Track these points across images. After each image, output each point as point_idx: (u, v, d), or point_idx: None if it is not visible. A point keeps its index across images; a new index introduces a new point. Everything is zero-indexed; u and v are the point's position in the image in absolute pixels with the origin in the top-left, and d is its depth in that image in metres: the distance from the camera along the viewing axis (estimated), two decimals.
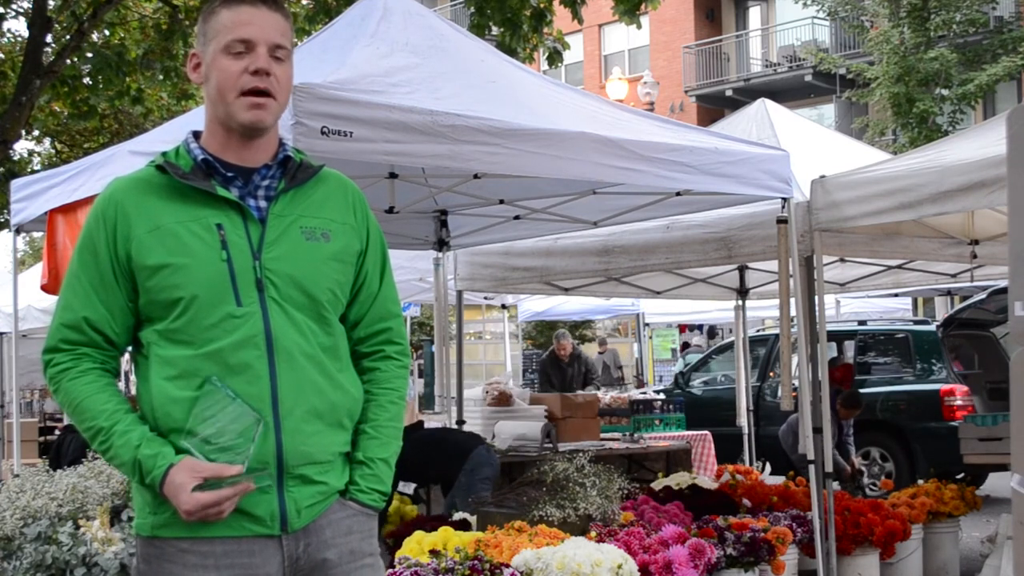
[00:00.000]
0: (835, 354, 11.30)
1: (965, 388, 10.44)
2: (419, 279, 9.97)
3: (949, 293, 14.45)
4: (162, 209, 2.24)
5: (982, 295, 10.09)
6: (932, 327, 11.20)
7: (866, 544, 6.32)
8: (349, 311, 2.40)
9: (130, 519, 4.43)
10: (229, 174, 2.29)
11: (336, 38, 5.23)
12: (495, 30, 10.93)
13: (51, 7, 11.90)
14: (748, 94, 23.80)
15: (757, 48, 28.74)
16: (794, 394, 6.31)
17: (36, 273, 9.78)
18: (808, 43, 26.08)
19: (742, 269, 9.30)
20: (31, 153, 19.34)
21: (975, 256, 7.29)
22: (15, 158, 16.05)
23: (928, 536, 6.94)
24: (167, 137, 4.75)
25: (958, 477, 9.01)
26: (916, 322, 12.39)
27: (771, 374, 11.84)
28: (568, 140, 4.89)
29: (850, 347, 11.73)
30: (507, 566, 4.47)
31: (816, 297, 6.18)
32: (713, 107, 27.94)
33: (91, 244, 2.26)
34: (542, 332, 25.86)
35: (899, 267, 8.65)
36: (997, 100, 22.57)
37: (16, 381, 7.51)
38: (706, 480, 7.09)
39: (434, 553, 4.65)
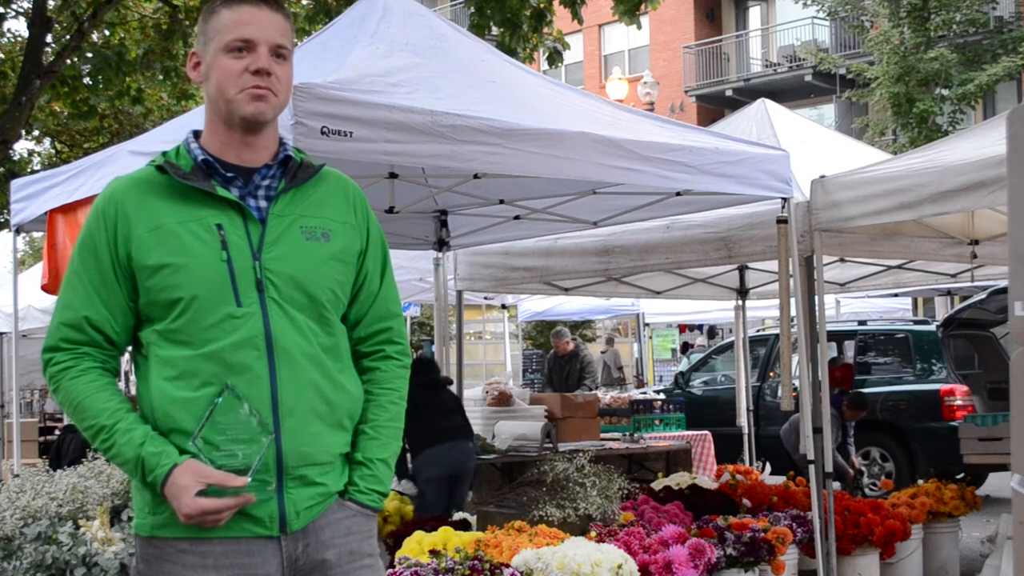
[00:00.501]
0: (835, 354, 11.30)
1: (965, 388, 10.44)
2: (419, 279, 9.97)
3: (949, 293, 14.45)
4: (162, 209, 2.24)
5: (982, 295, 10.09)
6: (932, 327, 11.20)
7: (866, 544, 6.32)
8: (349, 311, 2.40)
9: (130, 519, 4.43)
10: (229, 174, 2.29)
11: (336, 38, 5.22)
12: (495, 30, 10.92)
13: (51, 7, 11.90)
14: (748, 94, 23.79)
15: (757, 48, 28.72)
16: (794, 394, 6.31)
17: (36, 273, 9.78)
18: (808, 43, 26.07)
19: (742, 269, 9.31)
20: (31, 153, 19.36)
21: (975, 256, 7.29)
22: (15, 158, 16.04)
23: (928, 536, 6.93)
24: (167, 137, 4.74)
25: (958, 477, 9.01)
26: (916, 322, 12.39)
27: (771, 374, 11.84)
28: (568, 140, 4.89)
29: (850, 347, 11.73)
30: (507, 566, 4.47)
31: (816, 297, 6.18)
32: (713, 107, 27.93)
33: (91, 243, 2.26)
34: (542, 332, 25.86)
35: (899, 267, 8.65)
36: (997, 100, 22.56)
37: (16, 381, 7.50)
38: (706, 480, 7.08)
39: (434, 553, 4.65)
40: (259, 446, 2.16)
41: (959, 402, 10.32)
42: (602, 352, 20.03)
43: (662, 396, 10.70)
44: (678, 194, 6.16)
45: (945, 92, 20.12)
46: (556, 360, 12.98)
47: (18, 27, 33.41)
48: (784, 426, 8.93)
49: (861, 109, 24.00)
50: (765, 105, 7.73)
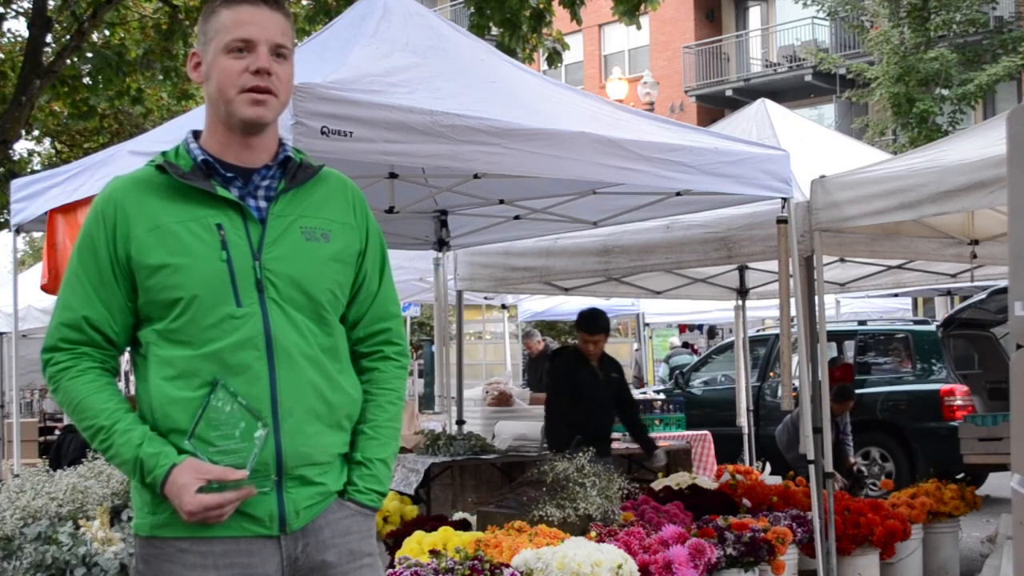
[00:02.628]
0: (835, 354, 11.30)
1: (965, 388, 10.44)
2: (419, 279, 9.97)
3: (949, 293, 14.45)
4: (162, 209, 2.24)
5: (982, 295, 10.09)
6: (932, 327, 11.20)
7: (866, 544, 6.32)
8: (348, 311, 2.40)
9: (130, 519, 4.43)
10: (229, 174, 2.28)
11: (336, 38, 5.22)
12: (495, 30, 10.92)
13: (51, 7, 11.90)
14: (748, 94, 23.78)
15: (757, 48, 28.71)
16: (794, 394, 6.31)
17: (36, 273, 9.78)
18: (808, 43, 26.07)
19: (742, 269, 9.30)
20: (31, 153, 19.37)
21: (975, 256, 7.29)
22: (15, 158, 16.04)
23: (928, 536, 6.93)
24: (167, 137, 4.74)
25: (958, 477, 9.00)
26: (916, 322, 12.39)
27: (771, 374, 11.83)
28: (568, 140, 4.89)
29: (850, 347, 11.73)
30: (507, 566, 4.46)
31: (816, 297, 6.18)
32: (713, 107, 27.93)
33: (91, 243, 2.26)
34: (542, 332, 25.86)
35: (899, 267, 8.65)
36: (997, 100, 22.55)
37: (16, 381, 7.50)
38: (706, 480, 7.08)
39: (434, 553, 4.65)
40: (256, 438, 2.16)
41: (959, 402, 10.32)
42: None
43: (662, 396, 10.70)
44: (678, 194, 6.15)
45: (945, 92, 20.12)
46: (531, 361, 13.02)
47: (18, 27, 33.43)
48: (778, 427, 8.92)
49: (861, 109, 24.00)
50: (765, 105, 7.73)
